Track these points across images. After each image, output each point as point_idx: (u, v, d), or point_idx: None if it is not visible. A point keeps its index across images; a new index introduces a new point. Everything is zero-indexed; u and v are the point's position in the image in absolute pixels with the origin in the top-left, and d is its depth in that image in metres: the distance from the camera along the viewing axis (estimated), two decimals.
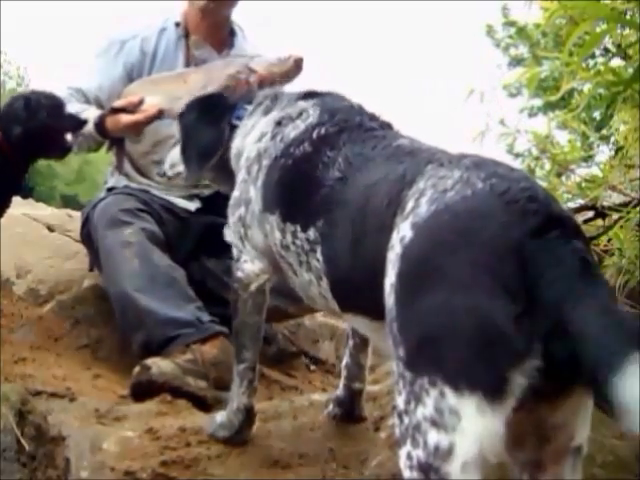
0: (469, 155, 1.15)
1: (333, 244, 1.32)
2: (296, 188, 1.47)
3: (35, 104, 2.30)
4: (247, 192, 1.61)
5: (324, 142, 1.46)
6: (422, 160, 1.19)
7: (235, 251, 1.67)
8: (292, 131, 1.56)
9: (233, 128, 1.76)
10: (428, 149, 1.29)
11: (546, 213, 0.97)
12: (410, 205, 1.08)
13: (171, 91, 2.15)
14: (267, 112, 1.69)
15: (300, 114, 1.59)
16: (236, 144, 1.74)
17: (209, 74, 2.03)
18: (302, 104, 1.62)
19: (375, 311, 1.21)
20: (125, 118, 2.28)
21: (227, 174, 1.79)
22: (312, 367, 2.71)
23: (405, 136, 1.43)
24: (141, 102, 2.25)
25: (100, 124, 2.36)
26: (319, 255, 1.37)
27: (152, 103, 2.20)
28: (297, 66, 2.00)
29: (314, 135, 1.50)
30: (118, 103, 2.29)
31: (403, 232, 1.05)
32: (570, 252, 0.94)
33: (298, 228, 1.42)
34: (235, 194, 1.67)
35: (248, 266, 1.64)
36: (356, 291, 1.28)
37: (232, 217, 1.66)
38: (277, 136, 1.59)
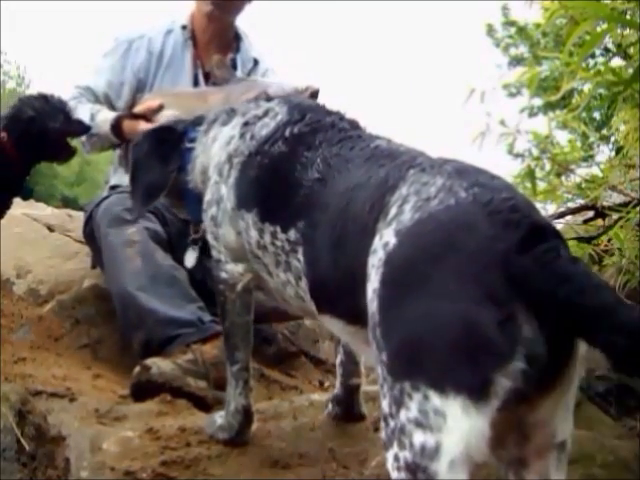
0: (450, 160, 1.17)
1: (315, 245, 1.32)
2: (275, 188, 1.46)
3: (44, 107, 2.32)
4: (218, 192, 1.61)
5: (299, 142, 1.46)
6: (403, 164, 1.19)
7: (215, 252, 1.66)
8: (263, 129, 1.56)
9: (189, 151, 1.75)
10: (407, 151, 1.30)
11: (528, 224, 0.99)
12: (393, 211, 1.09)
13: (190, 107, 2.17)
14: (226, 122, 1.68)
15: (267, 112, 1.59)
16: (200, 161, 1.72)
17: (229, 97, 2.06)
18: (266, 104, 1.62)
19: (352, 315, 1.23)
20: (143, 125, 2.31)
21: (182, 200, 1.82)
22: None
23: (380, 136, 1.44)
24: (160, 107, 2.28)
25: (117, 126, 2.38)
26: (300, 256, 1.37)
27: (169, 114, 2.23)
28: (313, 97, 2.05)
29: (286, 133, 1.50)
30: (138, 109, 2.32)
31: (386, 238, 1.06)
32: (572, 267, 0.96)
33: (278, 229, 1.42)
34: (207, 198, 1.66)
35: (231, 267, 1.63)
36: (335, 294, 1.28)
37: (206, 220, 1.67)
38: (246, 134, 1.58)
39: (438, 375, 0.94)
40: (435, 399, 0.93)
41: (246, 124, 1.61)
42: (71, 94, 2.56)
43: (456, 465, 0.93)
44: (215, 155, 1.66)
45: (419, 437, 0.94)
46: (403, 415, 0.96)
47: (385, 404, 0.99)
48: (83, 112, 2.50)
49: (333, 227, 1.26)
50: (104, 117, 2.46)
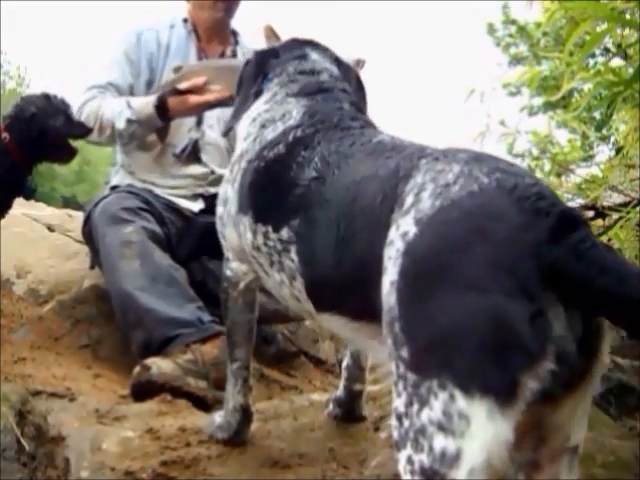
0: (462, 149, 1.12)
1: (311, 243, 1.29)
2: (267, 189, 1.44)
3: (46, 106, 2.33)
4: (226, 192, 1.60)
5: (299, 143, 1.43)
6: (413, 154, 1.15)
7: (224, 249, 1.66)
8: (270, 133, 1.53)
9: (257, 94, 1.67)
10: (412, 144, 1.26)
11: (558, 212, 0.95)
12: (410, 200, 1.04)
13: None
14: (267, 100, 1.63)
15: (283, 116, 1.55)
16: (239, 123, 1.68)
17: None
18: (290, 105, 1.56)
19: (357, 310, 1.20)
20: (194, 99, 2.33)
21: None
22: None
23: (385, 133, 1.40)
24: (206, 84, 2.31)
25: (161, 106, 2.39)
26: (293, 255, 1.34)
27: (222, 88, 2.26)
28: (360, 66, 2.07)
29: (290, 137, 1.46)
30: (184, 85, 2.34)
31: (405, 228, 1.01)
32: (609, 256, 0.92)
33: (270, 229, 1.40)
34: (220, 193, 1.65)
35: (236, 265, 1.63)
36: (338, 290, 1.24)
37: (216, 216, 1.66)
38: (257, 139, 1.56)
39: (465, 374, 0.89)
40: (460, 400, 0.89)
41: (263, 126, 1.57)
42: (87, 96, 2.53)
43: (476, 473, 0.89)
44: (239, 137, 1.64)
45: (440, 441, 0.90)
46: (425, 415, 0.91)
47: (400, 403, 0.95)
48: (115, 104, 2.49)
49: (337, 224, 1.22)
50: (143, 101, 2.45)
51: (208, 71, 2.36)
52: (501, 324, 0.89)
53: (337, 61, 1.69)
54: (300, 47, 1.69)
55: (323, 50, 1.69)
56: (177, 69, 2.44)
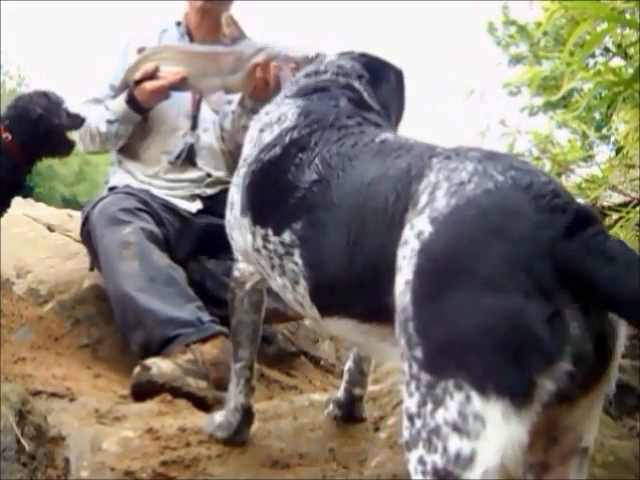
0: (472, 148, 1.12)
1: (318, 246, 1.27)
2: (265, 191, 1.44)
3: (48, 105, 2.34)
4: (232, 196, 1.60)
5: (295, 144, 1.42)
6: (423, 153, 1.14)
7: (234, 251, 1.66)
8: (268, 136, 1.52)
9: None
10: (418, 143, 1.25)
11: (574, 210, 0.94)
12: (424, 199, 1.02)
13: (200, 67, 2.17)
14: (270, 104, 1.63)
15: (279, 118, 1.54)
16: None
17: (240, 59, 2.05)
18: (286, 107, 1.55)
19: (367, 312, 1.19)
20: (149, 85, 2.34)
21: None
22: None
23: (385, 130, 1.38)
24: (156, 69, 2.30)
25: (132, 100, 2.42)
26: (297, 258, 1.32)
27: (175, 70, 2.25)
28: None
29: (286, 139, 1.45)
30: (137, 75, 2.36)
31: (420, 227, 1.00)
32: (619, 247, 0.92)
33: (269, 231, 1.38)
34: (228, 197, 1.65)
35: (243, 265, 1.63)
36: (348, 292, 1.22)
37: (225, 219, 1.66)
38: (256, 143, 1.55)
39: (481, 375, 0.89)
40: (476, 401, 0.88)
41: (262, 131, 1.56)
42: (86, 117, 2.55)
43: (489, 474, 0.88)
44: (246, 140, 1.64)
45: (455, 443, 0.89)
46: (439, 416, 0.90)
47: (412, 403, 0.94)
48: (96, 111, 2.53)
49: (348, 226, 1.20)
50: (117, 100, 2.49)
51: (169, 52, 2.35)
52: (519, 324, 0.89)
53: (364, 59, 1.65)
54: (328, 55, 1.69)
55: (346, 51, 1.67)
56: (140, 50, 2.45)
